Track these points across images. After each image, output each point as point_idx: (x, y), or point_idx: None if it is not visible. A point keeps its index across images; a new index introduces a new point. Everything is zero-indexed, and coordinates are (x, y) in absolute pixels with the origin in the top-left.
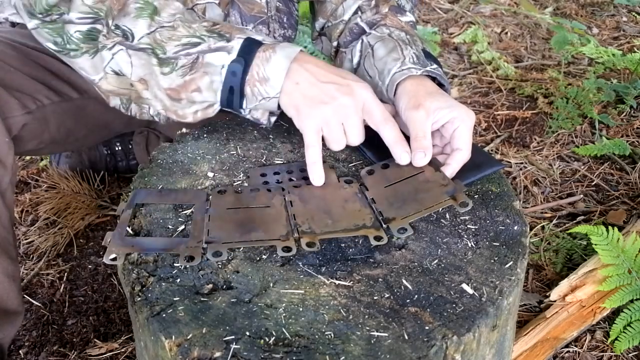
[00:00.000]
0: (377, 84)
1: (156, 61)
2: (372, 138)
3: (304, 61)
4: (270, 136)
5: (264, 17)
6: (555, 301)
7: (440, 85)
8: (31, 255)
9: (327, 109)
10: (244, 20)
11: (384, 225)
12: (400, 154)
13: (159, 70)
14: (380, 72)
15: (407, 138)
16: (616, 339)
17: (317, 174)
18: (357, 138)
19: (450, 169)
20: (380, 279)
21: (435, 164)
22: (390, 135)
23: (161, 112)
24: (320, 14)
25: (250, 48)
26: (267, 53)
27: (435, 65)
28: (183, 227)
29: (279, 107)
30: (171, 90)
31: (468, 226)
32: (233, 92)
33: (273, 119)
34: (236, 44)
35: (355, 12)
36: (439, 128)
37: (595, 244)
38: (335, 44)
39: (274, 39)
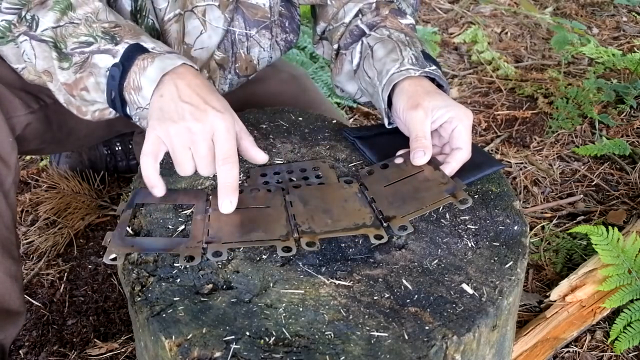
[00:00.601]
0: (375, 85)
1: (56, 55)
2: (372, 138)
3: (179, 76)
4: (270, 136)
5: (267, 21)
6: (555, 301)
7: (440, 86)
8: (31, 255)
9: (172, 127)
10: (247, 25)
11: (384, 224)
12: (222, 201)
13: (58, 64)
14: (379, 72)
15: (407, 139)
16: (616, 339)
17: (153, 186)
18: (202, 168)
19: (450, 168)
20: (380, 279)
21: (434, 163)
22: (221, 177)
23: (64, 105)
24: (321, 17)
25: (132, 54)
26: (145, 62)
27: (434, 67)
28: (183, 227)
29: None
30: (67, 86)
31: (468, 226)
32: (115, 96)
33: None
34: (121, 48)
35: (356, 15)
36: (437, 128)
37: (595, 244)
38: (335, 46)
39: (167, 49)
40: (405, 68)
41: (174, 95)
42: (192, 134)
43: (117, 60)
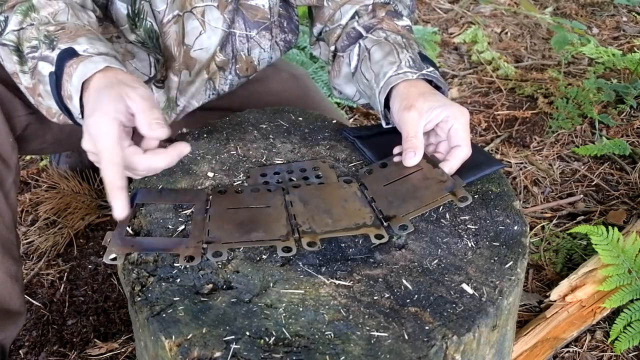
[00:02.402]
0: (372, 87)
1: (17, 59)
2: (372, 138)
3: (96, 79)
4: (270, 136)
5: (267, 22)
6: (555, 301)
7: (438, 87)
8: (31, 255)
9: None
10: (248, 27)
11: (384, 224)
12: (113, 201)
13: (20, 68)
14: (376, 75)
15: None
16: (616, 339)
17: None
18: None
19: (450, 165)
20: (380, 279)
21: (433, 161)
22: (104, 175)
23: (36, 107)
24: (317, 19)
25: (62, 61)
26: (71, 69)
27: (431, 68)
28: (183, 227)
29: None
30: (29, 90)
31: (468, 226)
32: (61, 105)
33: None
34: (55, 54)
35: (353, 17)
36: (434, 128)
37: (595, 244)
38: (332, 48)
39: (102, 50)
40: (403, 71)
41: (91, 97)
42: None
43: (52, 68)
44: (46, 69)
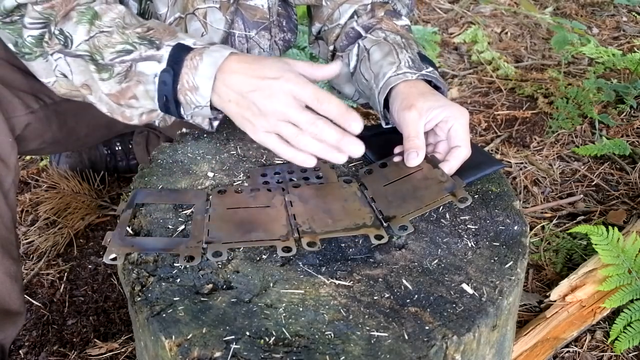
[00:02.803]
0: (372, 87)
1: (94, 67)
2: (372, 138)
3: (225, 70)
4: None
5: (267, 22)
6: (555, 301)
7: (437, 87)
8: (31, 255)
9: (261, 122)
10: (247, 27)
11: (384, 224)
12: (352, 115)
13: (98, 76)
14: (375, 75)
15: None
16: (616, 339)
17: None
18: (324, 129)
19: (449, 166)
20: (380, 279)
21: (433, 161)
22: (335, 105)
23: (108, 114)
24: (316, 18)
25: (179, 56)
26: (194, 61)
27: (430, 68)
28: (183, 227)
29: (218, 112)
30: (112, 96)
31: (468, 226)
32: (168, 100)
33: (215, 123)
34: (165, 52)
35: (351, 16)
36: (433, 128)
37: (595, 244)
38: (331, 47)
39: (207, 41)
40: (402, 72)
41: (235, 93)
42: (279, 115)
43: (164, 65)
44: (151, 68)
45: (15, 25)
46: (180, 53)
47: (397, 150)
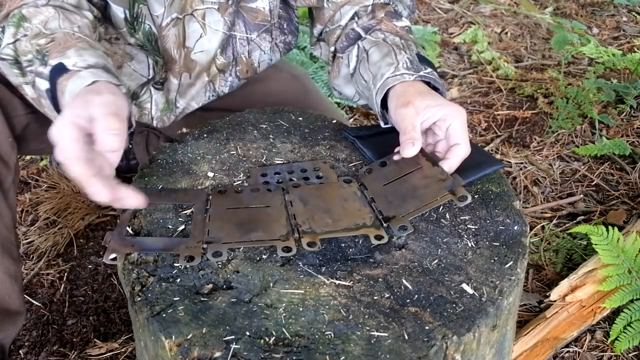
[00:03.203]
0: (370, 88)
1: (18, 72)
2: (372, 138)
3: (87, 93)
4: (270, 136)
5: (268, 25)
6: (555, 301)
7: (436, 89)
8: (31, 255)
9: None
10: (248, 29)
11: (384, 224)
12: (89, 188)
13: (23, 80)
14: (374, 76)
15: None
16: (616, 339)
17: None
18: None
19: (449, 164)
20: (380, 279)
21: (432, 160)
22: (71, 173)
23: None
24: (318, 20)
25: (55, 78)
26: (62, 85)
27: (429, 69)
28: (183, 227)
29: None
30: (34, 101)
31: (468, 226)
32: None
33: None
34: (47, 70)
35: (352, 18)
36: (431, 126)
37: (595, 244)
38: (332, 49)
39: (91, 63)
40: (400, 73)
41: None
42: None
43: (48, 84)
44: (43, 85)
45: None
46: (56, 75)
47: (397, 150)
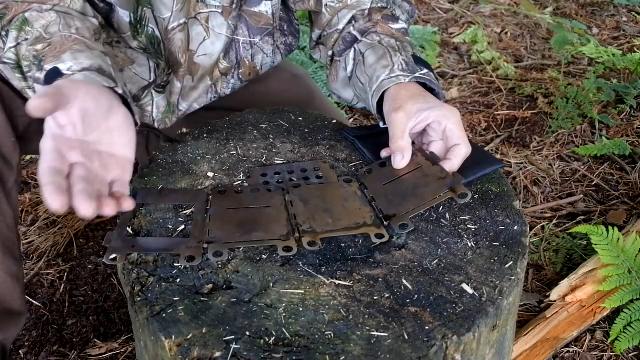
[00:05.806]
0: (367, 91)
1: (20, 76)
2: (372, 138)
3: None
4: (270, 136)
5: (270, 28)
6: (555, 301)
7: (432, 90)
8: (31, 255)
9: None
10: (251, 33)
11: (385, 223)
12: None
13: (26, 84)
14: (370, 78)
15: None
16: (616, 339)
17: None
18: None
19: (451, 164)
20: (380, 279)
21: (432, 159)
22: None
23: None
24: (316, 24)
25: (50, 82)
26: None
27: (425, 71)
28: (183, 227)
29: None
30: None
31: (468, 226)
32: None
33: None
34: (43, 76)
35: (349, 22)
36: (425, 128)
37: (595, 244)
38: (330, 52)
39: (84, 66)
40: (395, 75)
41: None
42: None
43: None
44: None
45: None
46: (52, 79)
47: (383, 154)
